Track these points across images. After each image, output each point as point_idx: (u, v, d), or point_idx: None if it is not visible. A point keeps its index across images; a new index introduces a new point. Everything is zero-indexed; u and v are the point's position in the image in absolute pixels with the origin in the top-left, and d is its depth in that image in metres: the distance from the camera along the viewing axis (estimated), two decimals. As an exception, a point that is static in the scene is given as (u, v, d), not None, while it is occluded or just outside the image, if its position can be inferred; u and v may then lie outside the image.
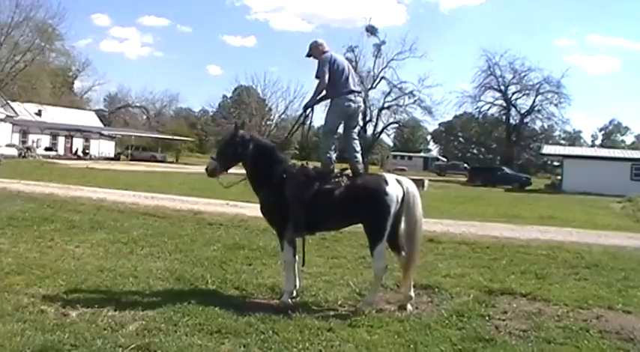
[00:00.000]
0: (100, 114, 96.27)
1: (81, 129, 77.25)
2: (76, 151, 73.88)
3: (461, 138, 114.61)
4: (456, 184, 54.07)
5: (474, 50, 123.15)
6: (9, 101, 61.04)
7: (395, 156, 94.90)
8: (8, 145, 60.10)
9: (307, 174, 7.34)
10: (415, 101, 74.83)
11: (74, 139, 76.93)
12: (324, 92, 7.71)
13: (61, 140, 75.12)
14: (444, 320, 6.57)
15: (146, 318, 6.15)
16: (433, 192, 35.77)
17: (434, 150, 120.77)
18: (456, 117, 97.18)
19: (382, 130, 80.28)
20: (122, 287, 7.40)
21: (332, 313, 6.73)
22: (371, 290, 7.20)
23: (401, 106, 76.29)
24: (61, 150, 73.02)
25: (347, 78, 7.67)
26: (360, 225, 7.30)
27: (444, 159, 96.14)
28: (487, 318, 6.76)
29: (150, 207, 16.69)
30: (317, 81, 7.66)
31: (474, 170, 66.56)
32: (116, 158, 73.83)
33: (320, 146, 7.72)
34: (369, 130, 75.98)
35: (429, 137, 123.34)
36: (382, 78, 74.56)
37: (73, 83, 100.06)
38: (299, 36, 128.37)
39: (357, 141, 7.81)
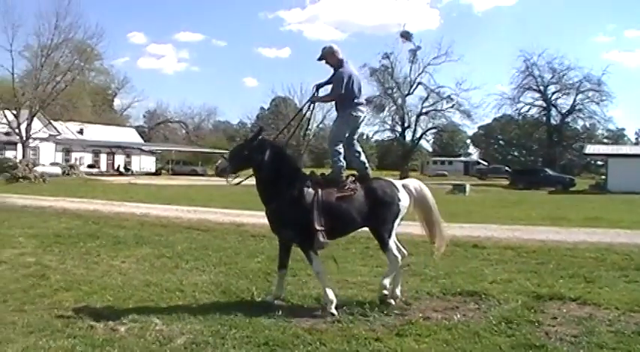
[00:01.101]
0: (140, 130, 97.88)
1: (122, 146, 78.48)
2: (118, 167, 75.05)
3: (501, 141, 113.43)
4: (498, 188, 53.52)
5: (510, 51, 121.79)
6: (52, 121, 62.29)
7: (435, 162, 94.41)
8: (52, 164, 61.28)
9: (323, 182, 7.47)
10: (453, 105, 74.53)
11: (116, 156, 78.29)
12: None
13: (103, 157, 76.60)
14: (492, 328, 6.46)
15: (194, 332, 6.18)
16: (475, 197, 35.52)
17: (474, 153, 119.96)
18: (495, 119, 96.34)
19: (421, 136, 79.98)
20: (169, 302, 7.45)
21: (379, 322, 6.67)
22: (386, 274, 7.55)
23: (439, 111, 76.02)
24: (103, 167, 74.40)
25: (359, 90, 7.88)
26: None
27: (485, 163, 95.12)
28: (537, 324, 6.62)
29: (192, 220, 16.81)
30: (331, 86, 7.95)
31: (516, 173, 65.56)
32: (157, 173, 74.82)
33: (330, 154, 7.83)
34: (408, 136, 75.77)
35: (468, 141, 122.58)
36: (419, 83, 74.45)
37: (112, 101, 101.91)
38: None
39: (359, 147, 8.05)
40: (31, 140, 57.20)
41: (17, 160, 50.28)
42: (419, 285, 8.46)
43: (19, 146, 57.13)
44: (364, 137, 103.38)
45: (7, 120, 54.97)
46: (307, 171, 7.91)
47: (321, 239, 7.07)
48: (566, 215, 21.94)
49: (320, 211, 7.08)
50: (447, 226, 8.30)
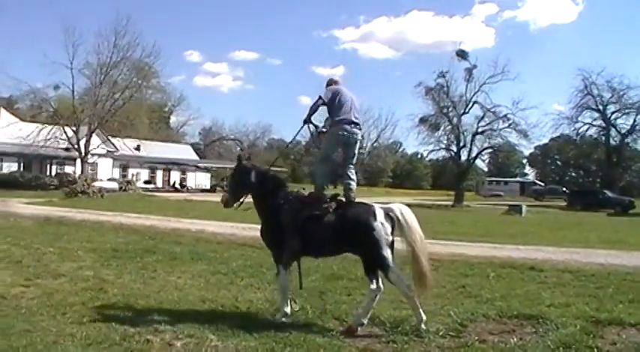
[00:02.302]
0: (195, 147, 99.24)
1: (178, 163, 79.70)
2: (174, 184, 76.12)
3: (558, 162, 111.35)
4: (555, 209, 52.61)
5: (567, 70, 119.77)
6: (110, 137, 63.82)
7: (490, 182, 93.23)
8: (110, 179, 62.60)
9: (300, 199, 7.70)
10: (510, 125, 72.90)
11: (171, 172, 79.57)
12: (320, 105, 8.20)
13: (159, 173, 77.94)
14: (550, 352, 6.33)
15: (248, 349, 6.21)
16: (531, 218, 34.97)
17: (530, 174, 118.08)
18: (552, 139, 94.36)
19: (477, 156, 78.41)
20: (224, 318, 7.48)
21: (434, 344, 6.60)
22: (414, 310, 7.24)
23: (495, 131, 74.46)
24: (159, 183, 75.65)
25: (348, 109, 8.05)
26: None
27: (542, 184, 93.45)
28: (595, 350, 6.46)
29: (247, 237, 16.77)
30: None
31: (574, 194, 64.42)
32: (212, 190, 75.45)
33: (315, 172, 7.98)
34: (463, 156, 74.74)
35: (524, 161, 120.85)
36: (475, 102, 73.26)
37: (169, 118, 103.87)
38: (387, 63, 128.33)
39: (352, 170, 8.07)
40: (89, 156, 58.63)
41: (76, 175, 51.62)
42: (475, 307, 8.34)
43: (78, 161, 58.68)
44: (419, 156, 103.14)
45: (67, 136, 56.53)
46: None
47: (286, 255, 7.57)
48: (626, 238, 21.39)
49: (291, 227, 7.37)
50: (434, 269, 7.67)
